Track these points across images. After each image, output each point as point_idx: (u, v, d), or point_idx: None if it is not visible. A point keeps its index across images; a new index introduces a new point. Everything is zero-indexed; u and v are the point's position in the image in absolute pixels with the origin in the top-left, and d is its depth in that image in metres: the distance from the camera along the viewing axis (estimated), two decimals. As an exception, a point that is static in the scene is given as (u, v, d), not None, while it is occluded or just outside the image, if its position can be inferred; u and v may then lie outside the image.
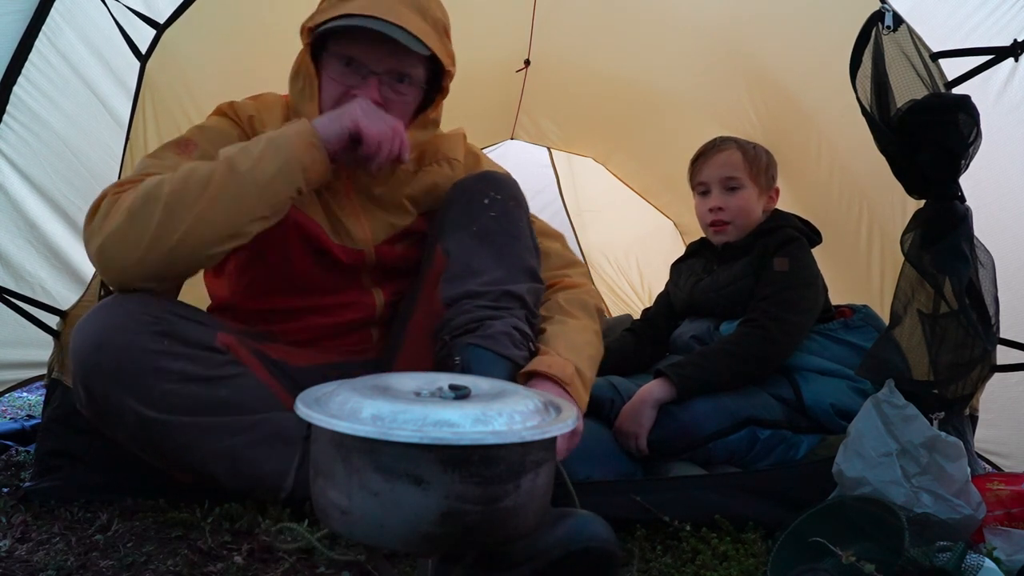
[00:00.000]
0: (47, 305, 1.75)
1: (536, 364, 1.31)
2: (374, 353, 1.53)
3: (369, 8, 1.33)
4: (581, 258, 4.20)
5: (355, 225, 1.48)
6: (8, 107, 1.63)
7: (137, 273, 1.24)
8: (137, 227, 1.19)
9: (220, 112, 1.48)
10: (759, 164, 1.96)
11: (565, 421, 0.81)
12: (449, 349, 1.30)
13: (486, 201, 1.42)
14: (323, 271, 1.47)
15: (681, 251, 2.36)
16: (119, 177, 1.81)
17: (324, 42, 1.40)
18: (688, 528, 1.34)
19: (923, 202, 1.54)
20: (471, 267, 1.37)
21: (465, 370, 1.23)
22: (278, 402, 1.32)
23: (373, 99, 1.37)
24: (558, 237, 1.65)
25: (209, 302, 1.57)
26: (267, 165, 1.25)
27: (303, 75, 1.41)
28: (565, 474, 1.19)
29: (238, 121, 1.46)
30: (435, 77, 1.47)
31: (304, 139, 1.28)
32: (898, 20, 1.54)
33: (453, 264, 1.39)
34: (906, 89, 1.50)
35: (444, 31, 1.44)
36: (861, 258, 2.28)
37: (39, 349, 1.77)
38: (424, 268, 1.47)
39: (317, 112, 1.40)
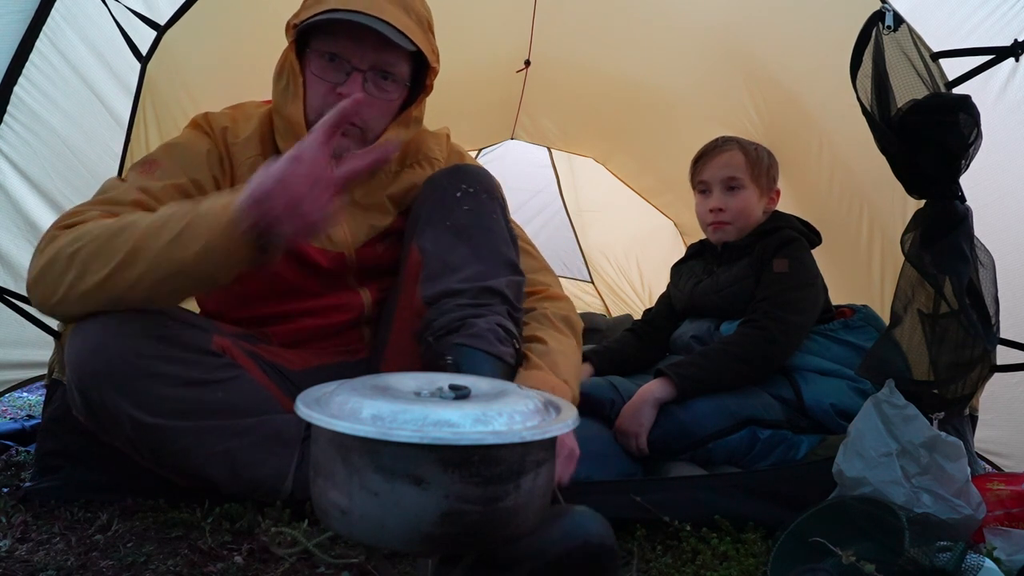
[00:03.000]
0: (47, 305, 1.75)
1: (540, 382, 1.28)
2: (367, 352, 1.53)
3: (353, 3, 1.32)
4: (581, 258, 4.23)
5: (335, 228, 1.46)
6: (9, 107, 1.63)
7: (60, 314, 1.27)
8: (51, 278, 1.18)
9: (194, 125, 1.47)
10: (761, 165, 1.96)
11: (565, 421, 0.81)
12: (435, 350, 1.30)
13: (458, 195, 1.41)
14: (306, 276, 1.46)
15: (681, 251, 2.36)
16: (118, 175, 1.82)
17: (308, 39, 1.40)
18: (688, 528, 1.34)
19: (923, 202, 1.54)
20: (448, 264, 1.36)
21: (458, 369, 1.23)
22: (275, 404, 1.32)
23: (356, 95, 1.37)
24: (529, 241, 1.63)
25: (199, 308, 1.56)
26: (182, 252, 1.10)
27: (287, 73, 1.40)
28: (557, 492, 1.19)
29: (211, 134, 1.45)
30: (418, 75, 1.47)
31: (222, 225, 1.08)
32: (898, 20, 1.54)
33: (430, 262, 1.38)
34: (906, 89, 1.50)
35: (428, 27, 1.44)
36: (861, 258, 2.28)
37: (39, 349, 1.77)
38: (402, 266, 1.46)
39: (301, 112, 1.40)
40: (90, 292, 1.15)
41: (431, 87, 1.49)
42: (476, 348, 1.26)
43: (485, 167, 1.58)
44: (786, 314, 1.74)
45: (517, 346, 1.34)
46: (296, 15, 1.40)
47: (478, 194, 1.43)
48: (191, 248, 1.08)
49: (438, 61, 1.46)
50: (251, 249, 1.09)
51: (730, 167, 1.95)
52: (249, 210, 1.06)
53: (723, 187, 1.95)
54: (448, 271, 1.36)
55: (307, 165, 1.05)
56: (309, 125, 1.41)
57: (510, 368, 1.30)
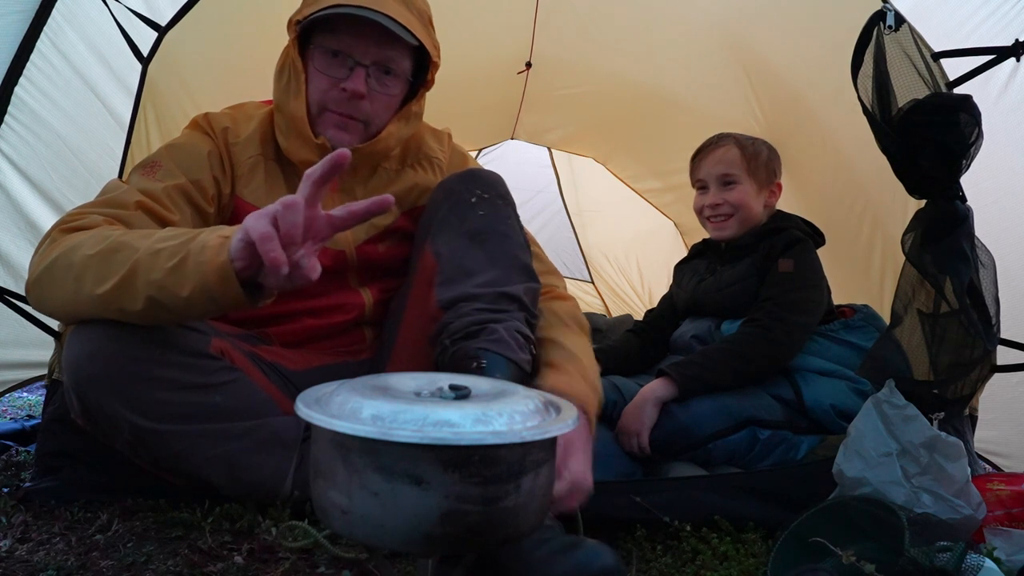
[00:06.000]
0: (47, 305, 1.75)
1: (565, 386, 1.26)
2: (368, 353, 1.53)
3: None
4: (581, 258, 4.23)
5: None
6: (9, 107, 1.63)
7: (60, 318, 1.29)
8: (50, 283, 1.17)
9: (194, 125, 1.47)
10: (758, 159, 1.96)
11: (565, 421, 0.81)
12: (452, 353, 1.29)
13: (473, 200, 1.42)
14: None
15: (681, 251, 2.37)
16: (119, 176, 1.82)
17: (310, 36, 1.40)
18: (688, 528, 1.34)
19: (924, 202, 1.54)
20: (464, 268, 1.36)
21: (484, 373, 1.22)
22: (274, 405, 1.32)
23: (359, 90, 1.37)
24: (536, 243, 1.63)
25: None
26: (177, 288, 1.07)
27: (288, 70, 1.41)
28: (580, 521, 1.18)
29: (211, 134, 1.45)
30: (419, 69, 1.48)
31: (216, 267, 1.03)
32: (899, 20, 1.54)
33: (446, 266, 1.38)
34: (907, 89, 1.50)
35: (428, 21, 1.45)
36: (862, 257, 2.28)
37: (39, 349, 1.77)
38: (414, 269, 1.46)
39: (304, 108, 1.40)
40: (86, 303, 1.14)
41: (432, 81, 1.50)
42: (498, 353, 1.25)
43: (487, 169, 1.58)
44: (789, 315, 1.74)
45: (533, 352, 1.34)
46: (298, 12, 1.40)
47: (493, 199, 1.43)
48: (186, 285, 1.05)
49: (439, 55, 1.47)
50: (241, 291, 1.03)
51: (724, 163, 1.95)
52: (242, 252, 1.00)
53: (719, 183, 1.96)
54: (464, 276, 1.35)
55: (300, 211, 0.96)
56: (311, 121, 1.42)
57: (526, 376, 1.30)
